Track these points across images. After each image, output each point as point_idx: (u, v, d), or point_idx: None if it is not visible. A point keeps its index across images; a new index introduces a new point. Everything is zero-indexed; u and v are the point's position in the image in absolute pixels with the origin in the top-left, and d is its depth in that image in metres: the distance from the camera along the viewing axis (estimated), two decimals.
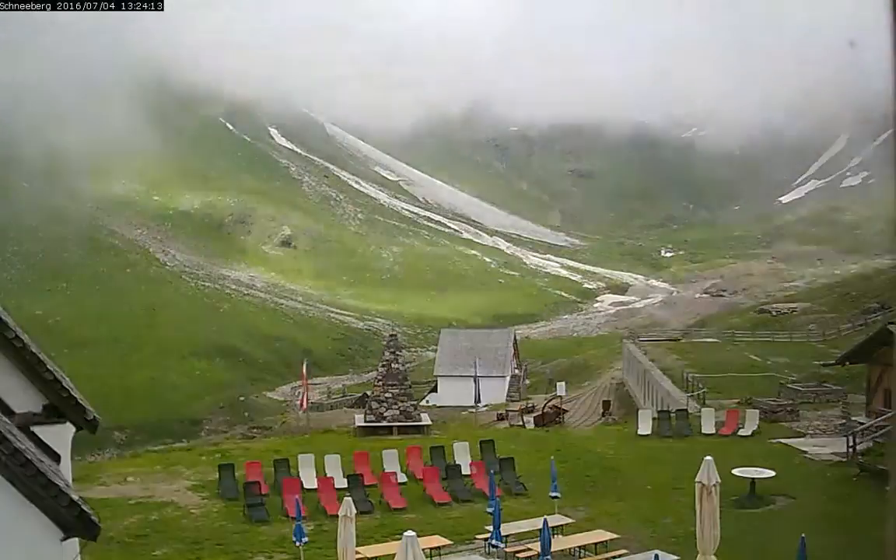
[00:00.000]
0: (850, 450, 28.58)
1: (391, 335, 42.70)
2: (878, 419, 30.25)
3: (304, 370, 42.47)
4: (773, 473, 26.09)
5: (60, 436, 13.08)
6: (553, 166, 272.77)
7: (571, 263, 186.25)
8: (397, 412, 38.19)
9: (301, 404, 43.14)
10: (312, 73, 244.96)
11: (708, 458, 17.30)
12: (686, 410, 36.86)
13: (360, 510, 22.03)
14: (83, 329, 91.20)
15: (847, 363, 37.44)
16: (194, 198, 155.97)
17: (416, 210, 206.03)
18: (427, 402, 66.54)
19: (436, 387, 70.54)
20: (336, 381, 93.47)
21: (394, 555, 14.92)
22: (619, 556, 20.75)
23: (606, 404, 55.84)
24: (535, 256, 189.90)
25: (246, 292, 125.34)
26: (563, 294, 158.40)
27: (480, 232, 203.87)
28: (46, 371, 12.70)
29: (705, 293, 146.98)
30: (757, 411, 35.57)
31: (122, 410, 69.38)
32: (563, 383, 55.94)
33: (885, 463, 25.17)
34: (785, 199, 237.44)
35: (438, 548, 21.26)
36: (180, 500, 26.75)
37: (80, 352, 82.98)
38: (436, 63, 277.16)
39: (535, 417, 48.86)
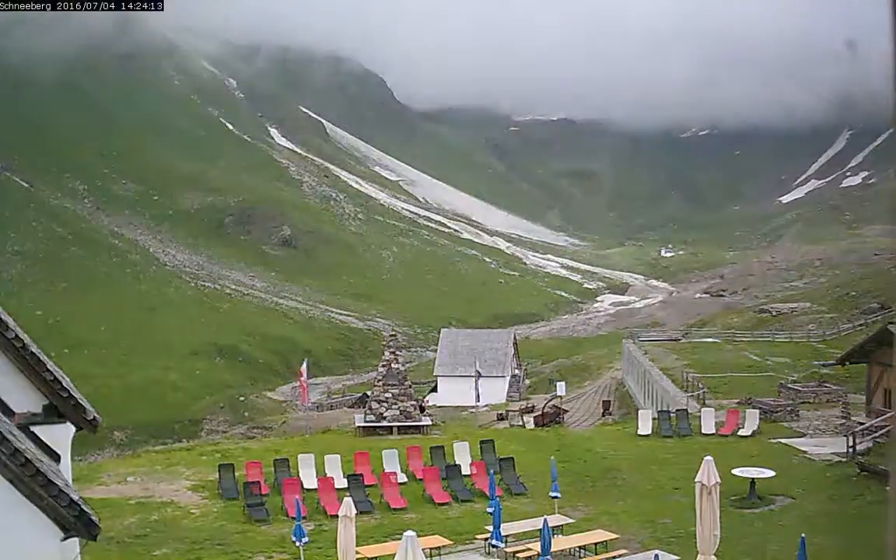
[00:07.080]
0: (850, 450, 28.56)
1: (391, 335, 42.58)
2: (878, 419, 30.26)
3: (304, 368, 42.30)
4: (773, 473, 26.07)
5: (60, 436, 13.08)
6: (553, 166, 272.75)
7: (571, 263, 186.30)
8: (397, 412, 38.14)
9: (302, 400, 43.15)
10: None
11: (708, 458, 17.28)
12: (686, 410, 36.80)
13: (360, 510, 22.02)
14: (83, 329, 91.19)
15: (847, 363, 37.45)
16: (194, 198, 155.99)
17: (416, 210, 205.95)
18: (427, 402, 66.53)
19: (436, 387, 70.50)
20: (336, 381, 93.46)
21: (394, 555, 14.90)
22: (619, 556, 20.73)
23: (606, 404, 55.83)
24: (535, 256, 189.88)
25: (246, 292, 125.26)
26: (563, 294, 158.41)
27: (480, 232, 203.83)
28: (46, 371, 12.69)
29: (705, 293, 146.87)
30: (757, 411, 35.50)
31: (122, 410, 69.44)
32: (563, 383, 55.81)
33: (885, 463, 25.18)
34: (785, 198, 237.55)
35: (438, 548, 21.24)
36: (180, 500, 26.70)
37: (80, 352, 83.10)
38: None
39: (535, 417, 48.78)
